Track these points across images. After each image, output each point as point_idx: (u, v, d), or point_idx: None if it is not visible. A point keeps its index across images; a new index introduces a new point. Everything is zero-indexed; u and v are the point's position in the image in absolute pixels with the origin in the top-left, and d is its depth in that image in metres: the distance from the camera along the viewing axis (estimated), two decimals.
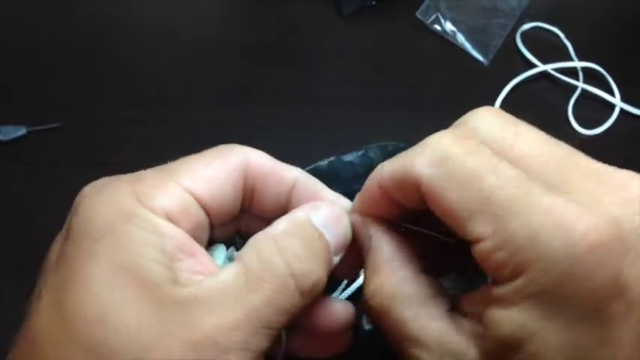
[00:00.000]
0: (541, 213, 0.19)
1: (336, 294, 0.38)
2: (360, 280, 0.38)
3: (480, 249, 0.21)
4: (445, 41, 0.59)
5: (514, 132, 0.23)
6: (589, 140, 0.54)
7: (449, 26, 0.60)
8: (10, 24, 0.59)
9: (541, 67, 0.57)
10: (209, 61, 0.58)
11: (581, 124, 0.54)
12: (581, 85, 0.56)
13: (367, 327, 0.38)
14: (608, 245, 0.19)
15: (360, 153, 0.44)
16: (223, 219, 0.26)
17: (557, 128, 0.54)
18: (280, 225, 0.24)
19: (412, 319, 0.23)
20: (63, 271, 0.20)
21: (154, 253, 0.21)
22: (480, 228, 0.20)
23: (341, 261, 0.25)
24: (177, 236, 0.22)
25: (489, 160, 0.21)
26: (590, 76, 0.57)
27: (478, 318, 0.21)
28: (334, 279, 0.27)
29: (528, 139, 0.23)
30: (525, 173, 0.21)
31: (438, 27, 0.60)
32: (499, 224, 0.20)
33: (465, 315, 0.22)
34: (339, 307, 0.26)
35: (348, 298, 0.38)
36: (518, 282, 0.20)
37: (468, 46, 0.59)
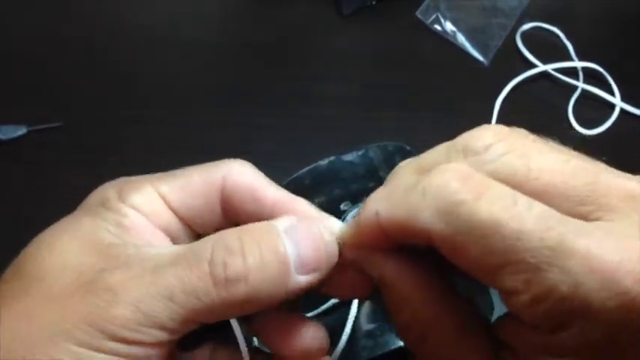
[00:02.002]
0: (580, 258, 0.18)
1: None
2: None
3: (516, 303, 0.19)
4: (445, 41, 0.59)
5: (527, 156, 0.20)
6: (589, 140, 0.54)
7: (449, 26, 0.60)
8: (10, 24, 0.59)
9: (541, 67, 0.57)
10: (209, 61, 0.58)
11: (581, 124, 0.54)
12: (581, 85, 0.56)
13: (366, 327, 0.38)
14: None
15: (360, 153, 0.44)
16: (204, 228, 0.26)
17: (557, 128, 0.54)
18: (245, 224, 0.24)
19: (453, 351, 0.21)
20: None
21: (109, 225, 0.24)
22: (511, 281, 0.18)
23: (333, 285, 0.24)
24: (138, 219, 0.25)
25: (506, 201, 0.19)
26: (590, 76, 0.57)
27: (521, 357, 0.20)
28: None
29: (546, 164, 0.20)
30: (551, 206, 0.19)
31: (438, 27, 0.60)
32: (534, 274, 0.18)
33: (505, 346, 0.21)
34: (308, 330, 0.25)
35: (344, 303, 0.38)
36: (568, 334, 0.18)
37: (468, 46, 0.59)
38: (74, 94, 0.54)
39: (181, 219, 0.26)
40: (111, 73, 0.56)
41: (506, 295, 0.19)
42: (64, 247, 0.23)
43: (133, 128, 0.52)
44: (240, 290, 0.21)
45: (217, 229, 0.27)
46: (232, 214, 0.26)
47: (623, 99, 0.55)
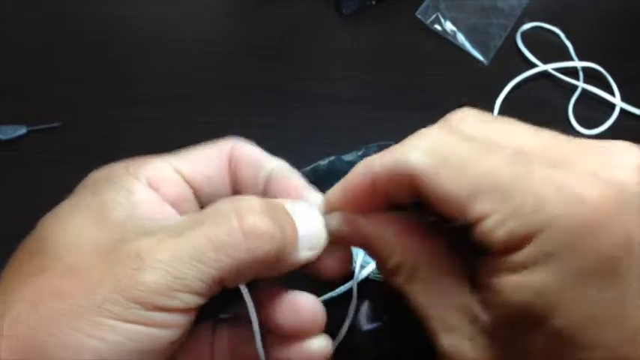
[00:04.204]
0: (545, 183, 0.20)
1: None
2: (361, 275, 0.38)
3: (485, 226, 0.21)
4: (445, 41, 0.59)
5: (500, 127, 0.23)
6: None
7: (449, 26, 0.60)
8: (10, 24, 0.59)
9: (541, 67, 0.57)
10: (209, 61, 0.58)
11: (581, 124, 0.54)
12: (581, 84, 0.56)
13: (366, 327, 0.38)
14: (615, 205, 0.20)
15: (360, 153, 0.44)
16: (213, 199, 0.27)
17: (557, 128, 0.54)
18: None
19: (437, 280, 0.23)
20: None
21: (118, 198, 0.24)
22: (482, 206, 0.21)
23: (324, 261, 0.26)
24: (147, 195, 0.25)
25: (482, 146, 0.22)
26: (591, 76, 0.57)
27: (488, 287, 0.22)
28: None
29: (517, 132, 0.23)
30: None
31: (438, 27, 0.60)
32: (503, 197, 0.20)
33: (479, 285, 0.23)
34: (304, 301, 0.26)
35: (345, 295, 0.38)
36: (529, 248, 0.20)
37: (468, 46, 0.59)
38: (74, 94, 0.54)
39: (193, 188, 0.27)
40: (111, 73, 0.56)
41: (478, 221, 0.21)
42: (78, 224, 0.23)
43: (133, 128, 0.52)
44: (266, 247, 0.22)
45: None
46: (235, 185, 0.28)
47: (623, 99, 0.55)
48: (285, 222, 0.24)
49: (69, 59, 0.57)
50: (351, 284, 0.38)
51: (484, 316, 0.22)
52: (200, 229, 0.22)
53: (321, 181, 0.43)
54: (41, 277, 0.21)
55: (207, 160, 0.27)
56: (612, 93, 0.56)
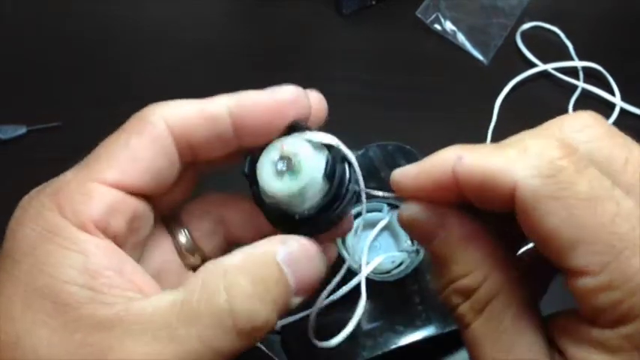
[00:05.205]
0: None
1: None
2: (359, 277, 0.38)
3: (584, 284, 0.18)
4: (445, 41, 0.59)
5: (626, 153, 0.20)
6: None
7: (449, 26, 0.60)
8: (10, 24, 0.59)
9: (541, 67, 0.57)
10: (209, 61, 0.58)
11: None
12: (581, 84, 0.56)
13: (367, 327, 0.38)
14: None
15: (360, 152, 0.44)
16: (166, 184, 0.24)
17: None
18: (237, 256, 0.21)
19: (510, 325, 0.20)
20: None
21: (74, 273, 0.19)
22: (587, 260, 0.18)
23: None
24: (104, 252, 0.20)
25: (603, 183, 0.18)
26: (591, 76, 0.57)
27: (568, 357, 0.19)
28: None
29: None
30: None
31: (438, 26, 0.60)
32: (615, 259, 0.17)
33: (553, 345, 0.20)
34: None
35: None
36: (631, 328, 0.17)
37: (468, 46, 0.59)
38: (74, 94, 0.54)
39: (147, 196, 0.24)
40: (111, 73, 0.56)
41: (573, 275, 0.18)
42: (32, 328, 0.18)
43: None
44: (262, 334, 0.21)
45: (176, 181, 0.24)
46: (196, 157, 0.24)
47: (623, 99, 0.55)
48: (277, 292, 0.21)
49: (69, 59, 0.57)
50: (357, 280, 0.38)
51: None
52: (193, 329, 0.19)
53: None
54: None
55: (145, 157, 0.22)
56: (612, 93, 0.56)
